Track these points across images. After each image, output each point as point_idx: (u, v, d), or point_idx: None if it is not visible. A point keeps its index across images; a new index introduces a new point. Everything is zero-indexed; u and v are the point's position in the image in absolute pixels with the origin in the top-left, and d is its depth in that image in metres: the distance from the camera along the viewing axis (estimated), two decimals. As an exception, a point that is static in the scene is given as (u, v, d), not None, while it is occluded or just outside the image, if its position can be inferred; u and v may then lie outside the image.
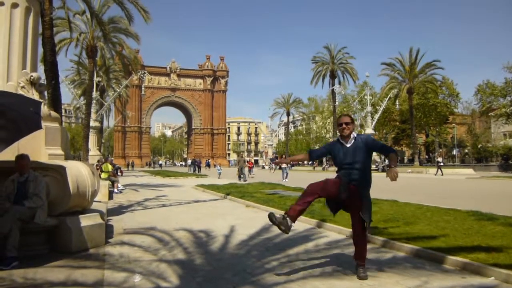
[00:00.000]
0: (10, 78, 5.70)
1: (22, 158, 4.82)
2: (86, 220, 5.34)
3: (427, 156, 65.46)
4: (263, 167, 65.94)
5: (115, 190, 14.59)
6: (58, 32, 21.91)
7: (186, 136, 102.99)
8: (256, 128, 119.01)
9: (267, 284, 3.76)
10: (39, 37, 7.79)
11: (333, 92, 47.51)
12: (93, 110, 28.67)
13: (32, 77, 5.82)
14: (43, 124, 5.30)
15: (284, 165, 24.02)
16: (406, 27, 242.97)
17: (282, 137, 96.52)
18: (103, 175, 14.37)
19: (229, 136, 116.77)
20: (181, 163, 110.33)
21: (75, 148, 64.86)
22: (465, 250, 4.52)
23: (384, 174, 4.39)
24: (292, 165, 47.86)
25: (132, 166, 61.32)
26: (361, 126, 46.06)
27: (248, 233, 6.32)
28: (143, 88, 42.65)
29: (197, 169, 42.35)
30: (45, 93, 8.93)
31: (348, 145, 3.95)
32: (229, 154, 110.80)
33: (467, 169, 35.05)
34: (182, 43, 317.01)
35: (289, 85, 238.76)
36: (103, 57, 27.78)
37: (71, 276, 3.99)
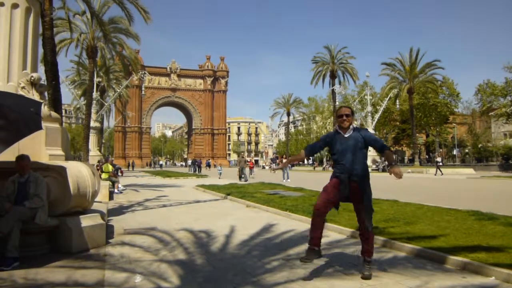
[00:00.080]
0: (11, 78, 5.70)
1: (22, 159, 4.83)
2: (86, 221, 5.34)
3: (427, 156, 65.36)
4: (263, 167, 65.89)
5: (116, 190, 14.58)
6: (58, 32, 21.94)
7: (186, 136, 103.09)
8: (256, 128, 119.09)
9: (268, 284, 3.76)
10: (39, 38, 7.78)
11: (333, 92, 47.47)
12: (93, 110, 28.72)
13: (32, 78, 5.82)
14: (44, 124, 5.30)
15: None
16: (406, 27, 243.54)
17: (283, 137, 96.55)
18: (104, 176, 14.36)
19: (229, 136, 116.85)
20: (181, 163, 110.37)
21: (75, 149, 64.93)
22: (465, 250, 4.52)
23: (385, 174, 4.41)
24: (292, 165, 47.82)
25: (133, 167, 61.38)
26: (361, 126, 46.03)
27: (248, 233, 6.32)
28: (143, 89, 42.57)
29: (197, 169, 42.26)
30: (46, 93, 8.92)
31: (346, 135, 4.00)
32: (229, 154, 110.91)
33: (468, 169, 35.12)
34: (182, 44, 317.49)
35: (289, 85, 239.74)
36: (103, 58, 27.77)
37: (72, 277, 3.99)
